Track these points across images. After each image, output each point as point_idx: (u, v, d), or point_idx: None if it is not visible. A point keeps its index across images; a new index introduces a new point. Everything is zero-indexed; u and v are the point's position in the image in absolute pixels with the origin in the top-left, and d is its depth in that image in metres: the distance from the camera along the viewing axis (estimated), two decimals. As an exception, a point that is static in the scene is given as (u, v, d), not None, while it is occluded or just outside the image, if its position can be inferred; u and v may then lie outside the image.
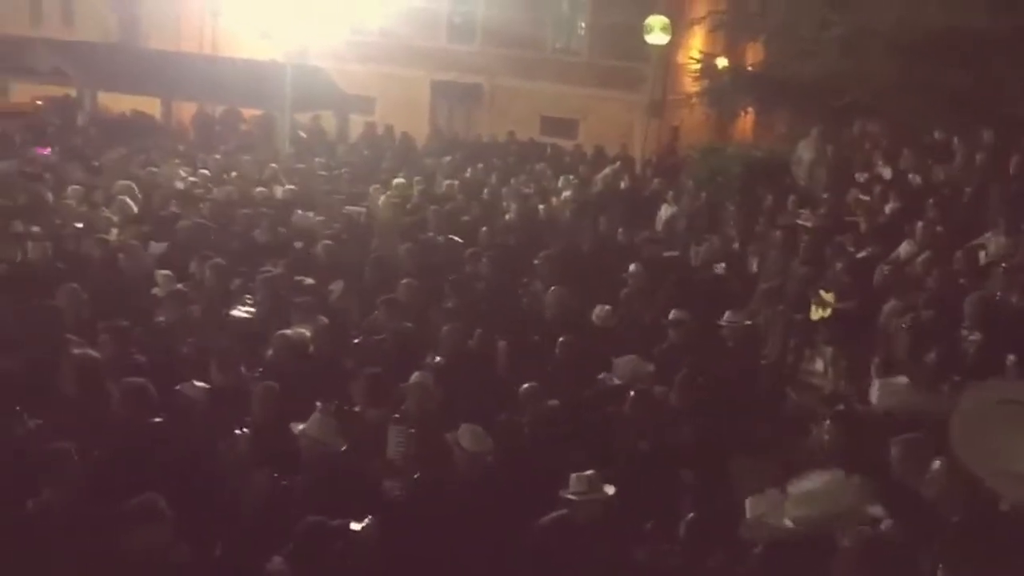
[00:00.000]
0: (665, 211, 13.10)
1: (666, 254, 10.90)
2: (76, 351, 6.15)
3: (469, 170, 15.21)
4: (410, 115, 21.73)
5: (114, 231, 9.92)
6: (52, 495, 4.42)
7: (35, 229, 9.54)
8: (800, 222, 11.19)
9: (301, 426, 5.49)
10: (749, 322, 8.29)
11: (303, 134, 18.82)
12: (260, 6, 20.85)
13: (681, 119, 21.99)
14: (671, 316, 7.93)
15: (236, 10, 23.11)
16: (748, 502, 4.78)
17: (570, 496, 4.92)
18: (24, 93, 20.43)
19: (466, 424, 5.25)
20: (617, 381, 6.66)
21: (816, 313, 9.04)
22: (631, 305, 8.57)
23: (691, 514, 4.89)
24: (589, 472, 4.96)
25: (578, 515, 4.91)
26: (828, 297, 8.97)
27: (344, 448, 5.42)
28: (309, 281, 8.48)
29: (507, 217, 12.21)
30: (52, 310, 7.21)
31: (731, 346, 7.89)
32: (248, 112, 19.88)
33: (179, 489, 4.63)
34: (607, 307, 8.11)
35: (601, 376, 6.83)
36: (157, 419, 5.42)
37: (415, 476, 5.23)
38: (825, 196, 12.15)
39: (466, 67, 23.35)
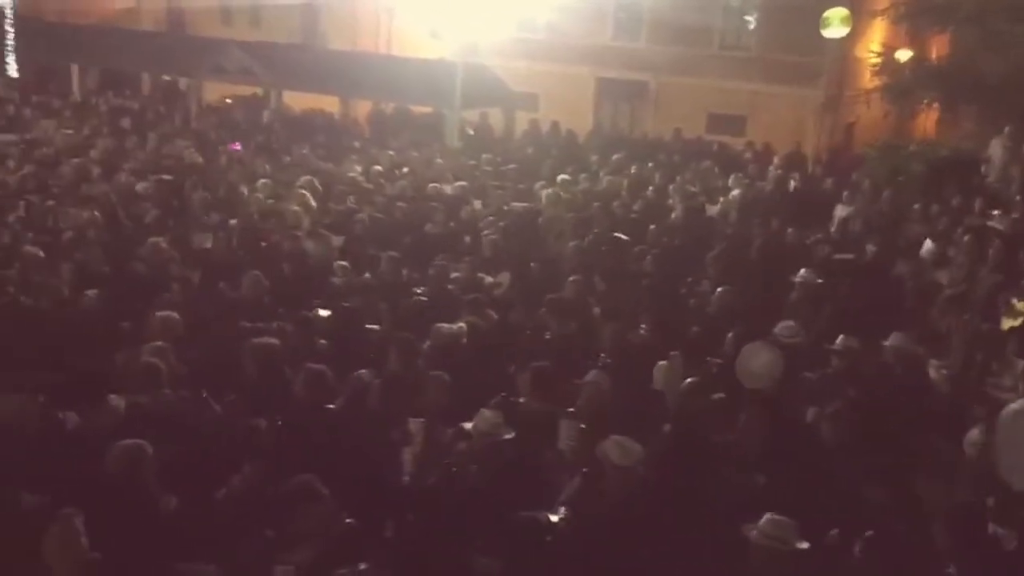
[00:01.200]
0: (840, 211, 12.61)
1: (840, 256, 10.49)
2: (256, 339, 6.58)
3: (634, 168, 15.14)
4: (574, 112, 21.80)
5: (306, 222, 10.45)
6: (251, 471, 4.73)
7: (232, 221, 10.21)
8: (991, 224, 10.53)
9: (469, 425, 5.64)
10: (920, 349, 7.64)
11: (471, 131, 19.24)
12: (431, 5, 21.48)
13: (857, 115, 21.08)
14: (838, 342, 7.24)
15: (409, 10, 23.92)
16: None
17: (761, 540, 4.35)
18: (215, 91, 21.85)
19: (614, 436, 5.07)
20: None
21: (1006, 323, 8.48)
22: (798, 313, 8.24)
23: (870, 532, 4.66)
24: (784, 518, 4.41)
25: (762, 564, 4.33)
26: (1021, 306, 8.41)
27: (512, 436, 5.55)
28: (489, 279, 8.67)
29: (673, 216, 12.08)
30: (236, 298, 7.75)
31: (897, 373, 7.20)
32: (418, 109, 20.51)
33: (351, 471, 4.83)
34: (790, 323, 7.56)
35: None
36: (331, 405, 5.68)
37: (582, 475, 5.20)
38: (1018, 198, 11.38)
39: (631, 64, 23.22)
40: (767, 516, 4.42)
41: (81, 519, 3.95)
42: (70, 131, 15.60)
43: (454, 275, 8.61)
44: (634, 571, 4.54)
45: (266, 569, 4.04)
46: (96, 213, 10.09)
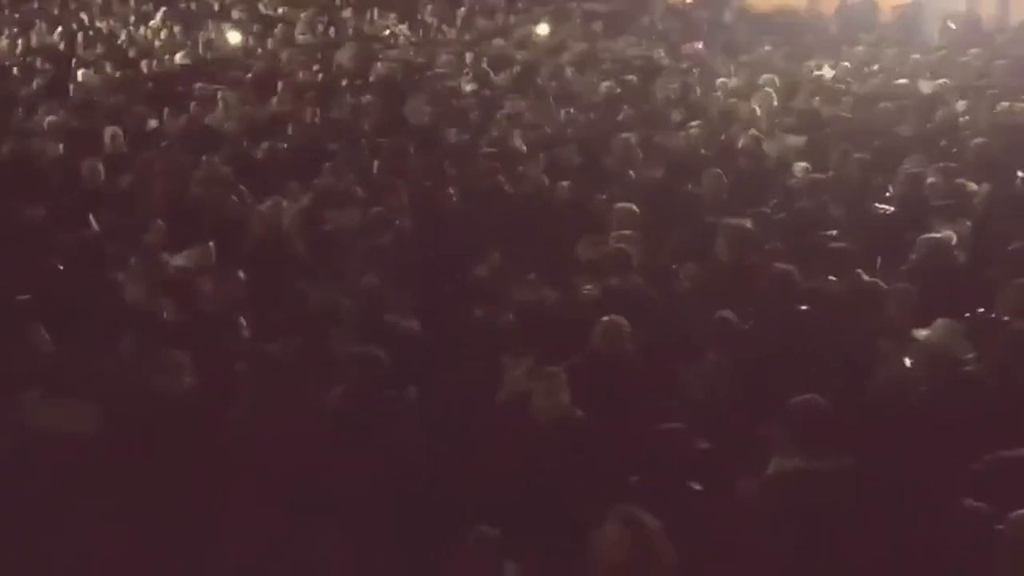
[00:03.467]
0: None
1: None
2: (731, 221, 6.70)
3: None
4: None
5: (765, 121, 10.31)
6: (717, 358, 4.93)
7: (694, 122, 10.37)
8: None
9: (924, 332, 5.26)
10: None
11: (952, 24, 17.26)
12: None
13: None
14: None
15: None
16: None
17: None
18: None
19: None
20: None
21: None
22: None
23: None
24: None
25: None
26: None
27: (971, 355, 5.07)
28: (970, 185, 7.92)
29: None
30: (693, 196, 7.96)
31: None
32: (890, 2, 18.81)
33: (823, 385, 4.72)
34: None
35: None
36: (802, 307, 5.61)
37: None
38: None
39: None
40: None
41: (565, 377, 4.46)
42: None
43: (930, 181, 7.95)
44: None
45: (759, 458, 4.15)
46: (572, 111, 10.87)
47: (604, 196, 8.12)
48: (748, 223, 6.58)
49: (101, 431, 4.45)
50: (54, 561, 4.06)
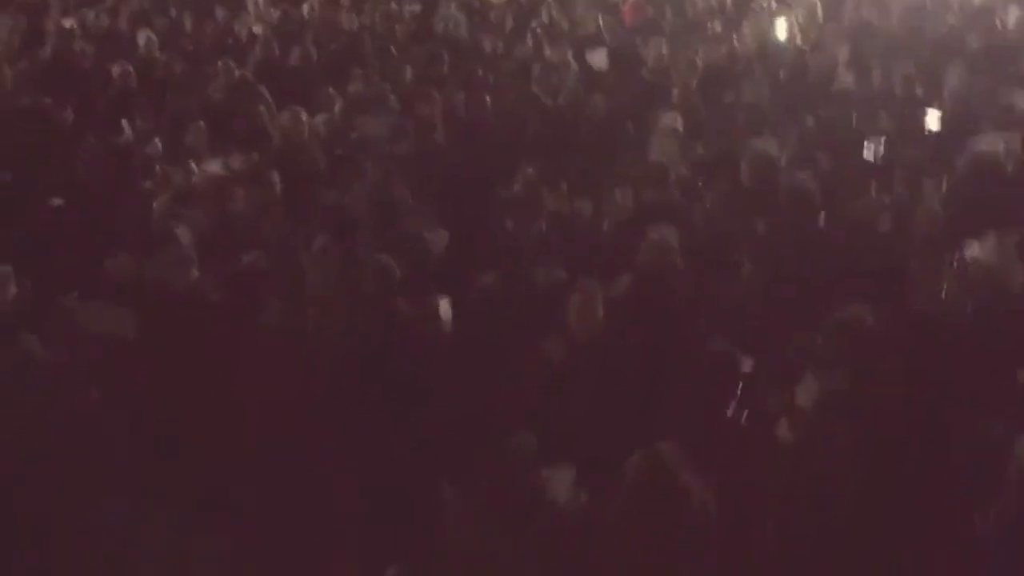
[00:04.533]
0: None
1: None
2: (756, 145, 6.54)
3: None
4: None
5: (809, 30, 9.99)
6: (752, 270, 4.85)
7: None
8: None
9: (974, 246, 5.13)
10: None
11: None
12: None
13: None
14: None
15: None
16: None
17: None
18: None
19: None
20: None
21: None
22: None
23: None
24: None
25: None
26: None
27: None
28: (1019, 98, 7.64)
29: None
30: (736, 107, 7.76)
31: None
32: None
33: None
34: None
35: None
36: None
37: None
38: None
39: None
40: None
41: (600, 292, 4.43)
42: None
43: (978, 92, 7.68)
44: None
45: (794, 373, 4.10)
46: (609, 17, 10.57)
47: (641, 107, 7.94)
48: (770, 149, 6.32)
49: (138, 335, 4.49)
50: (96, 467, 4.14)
